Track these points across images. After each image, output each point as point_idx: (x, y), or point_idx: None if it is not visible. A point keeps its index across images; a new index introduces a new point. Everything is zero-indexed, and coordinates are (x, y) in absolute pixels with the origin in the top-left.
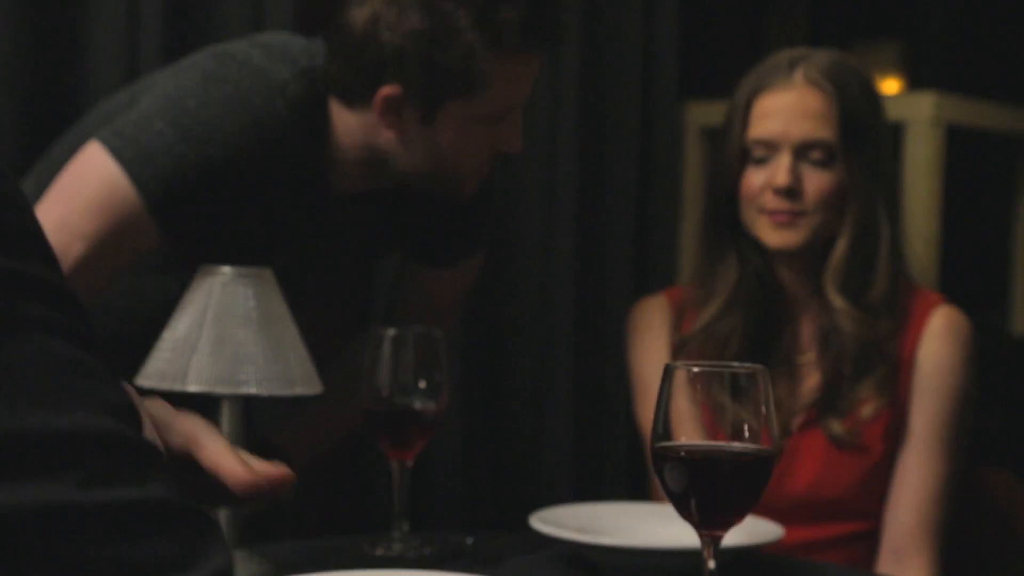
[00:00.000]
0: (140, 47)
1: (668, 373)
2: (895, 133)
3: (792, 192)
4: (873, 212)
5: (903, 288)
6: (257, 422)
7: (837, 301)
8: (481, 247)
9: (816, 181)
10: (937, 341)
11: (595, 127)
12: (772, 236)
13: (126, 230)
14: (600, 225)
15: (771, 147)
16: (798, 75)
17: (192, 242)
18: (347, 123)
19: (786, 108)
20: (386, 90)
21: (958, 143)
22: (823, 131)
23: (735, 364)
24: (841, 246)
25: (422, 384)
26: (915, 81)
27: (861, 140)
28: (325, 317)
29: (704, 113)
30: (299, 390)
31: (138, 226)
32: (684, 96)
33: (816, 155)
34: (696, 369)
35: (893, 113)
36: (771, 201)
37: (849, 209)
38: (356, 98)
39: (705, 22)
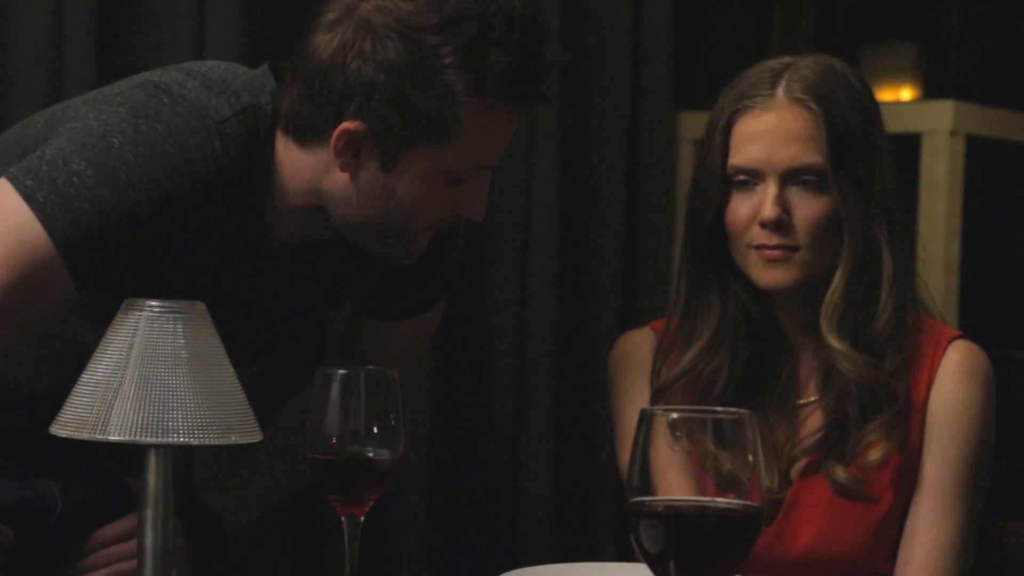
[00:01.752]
0: (66, 53)
1: (645, 419)
2: (911, 145)
3: (781, 225)
4: (873, 239)
5: (913, 321)
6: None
7: (834, 342)
8: (444, 296)
9: (806, 210)
10: (952, 380)
11: (578, 139)
12: (763, 274)
13: (37, 282)
14: (584, 249)
15: (755, 175)
16: (780, 92)
17: (112, 295)
18: (295, 163)
19: (769, 132)
20: (347, 125)
21: (979, 156)
22: (811, 155)
23: (719, 409)
24: (837, 281)
25: (375, 430)
26: (932, 88)
27: (854, 160)
28: (269, 373)
29: (700, 124)
30: (236, 439)
31: (51, 277)
32: (678, 106)
33: (805, 181)
34: (675, 415)
35: (907, 123)
36: (759, 236)
37: (845, 239)
38: (311, 133)
39: (702, 24)
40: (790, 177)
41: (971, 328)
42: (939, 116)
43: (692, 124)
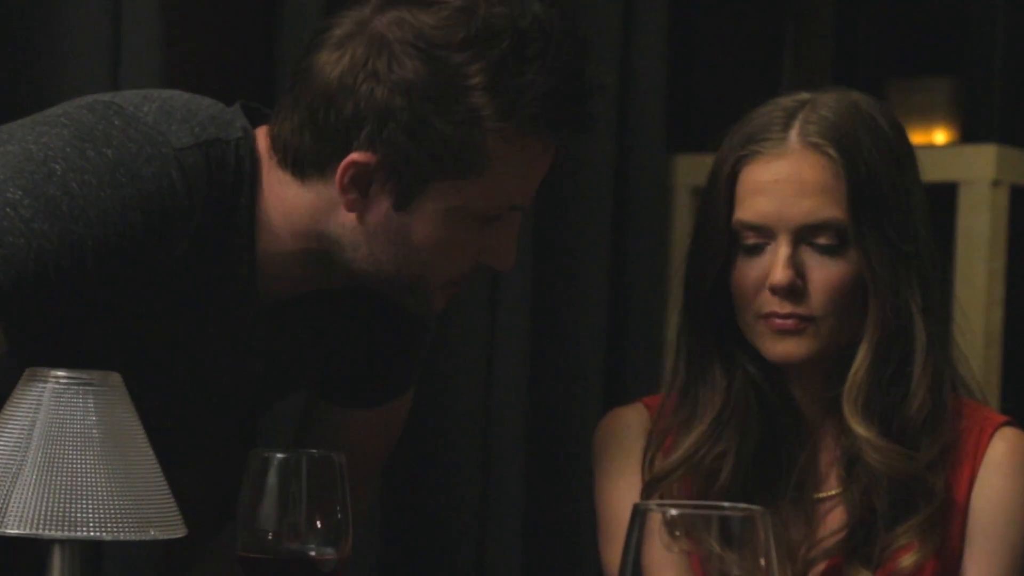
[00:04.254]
0: None
1: (638, 516)
2: (946, 196)
3: (794, 291)
4: (904, 307)
5: (952, 404)
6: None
7: (859, 428)
8: (415, 379)
9: (824, 274)
10: (998, 475)
11: (554, 186)
12: (774, 347)
13: None
14: (561, 314)
15: (764, 233)
16: (794, 135)
17: (48, 350)
18: (291, 201)
19: (780, 182)
20: (355, 156)
21: None
22: (829, 209)
23: (726, 505)
24: (861, 356)
25: (318, 524)
26: (970, 130)
27: (880, 215)
28: (215, 462)
29: (697, 169)
30: (155, 533)
31: None
32: (672, 148)
33: (822, 240)
34: (675, 511)
35: (942, 171)
36: (769, 303)
37: (870, 306)
38: (312, 166)
39: (701, 55)
40: (805, 235)
41: (1016, 410)
42: (979, 163)
43: (689, 169)
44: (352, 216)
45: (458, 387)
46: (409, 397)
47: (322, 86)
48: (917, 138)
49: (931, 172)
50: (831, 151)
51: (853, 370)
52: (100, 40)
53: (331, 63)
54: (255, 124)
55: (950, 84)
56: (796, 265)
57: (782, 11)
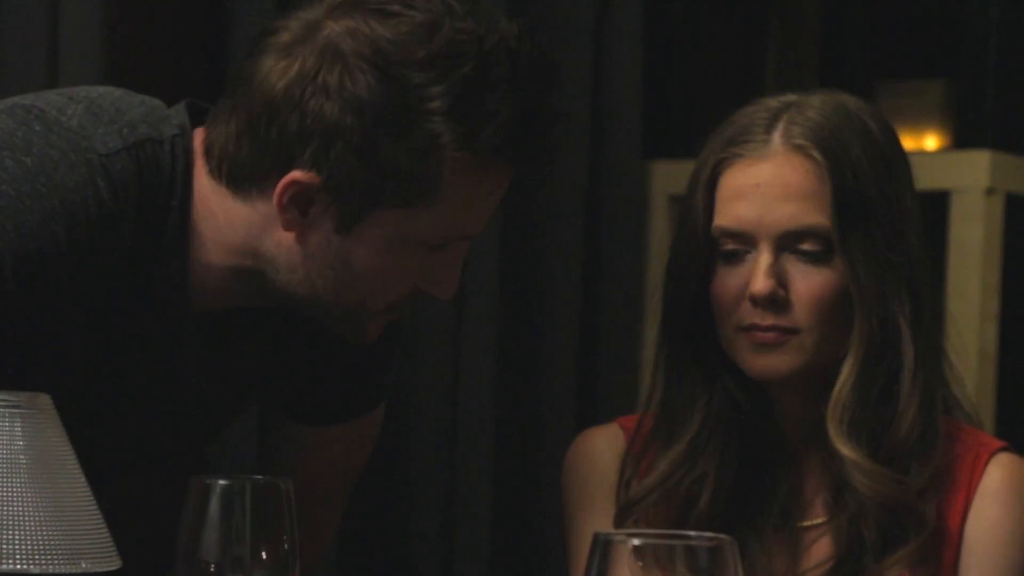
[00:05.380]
0: None
1: (599, 546)
2: (937, 205)
3: (775, 301)
4: (890, 320)
5: (944, 427)
6: None
7: (844, 449)
8: (386, 394)
9: (807, 283)
10: (994, 504)
11: (523, 195)
12: (755, 361)
13: None
14: (532, 328)
15: (745, 240)
16: (777, 137)
17: None
18: (226, 214)
19: (762, 187)
20: (297, 175)
21: (1020, 217)
22: (813, 215)
23: (692, 534)
24: (846, 372)
25: (263, 555)
26: (963, 136)
27: (868, 222)
28: (160, 484)
29: (675, 176)
30: (87, 566)
31: None
32: (649, 154)
33: (806, 247)
34: (638, 541)
35: (933, 178)
36: (749, 314)
37: (856, 318)
38: (250, 181)
39: (679, 57)
40: (788, 242)
41: (1011, 431)
42: (972, 170)
43: (666, 176)
44: (290, 235)
45: (422, 405)
46: (381, 412)
47: (266, 95)
48: (907, 144)
49: (922, 180)
50: (816, 154)
51: (837, 387)
52: (37, 37)
53: (277, 71)
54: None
55: (942, 87)
56: (778, 274)
57: (765, 8)
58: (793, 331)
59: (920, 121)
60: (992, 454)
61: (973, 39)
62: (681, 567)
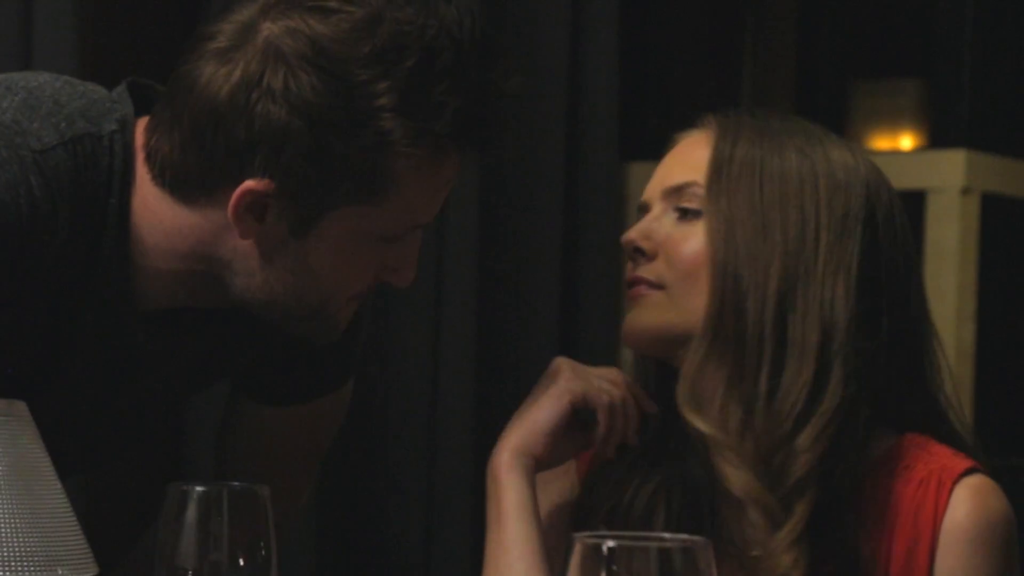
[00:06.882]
0: None
1: (572, 548)
2: (913, 204)
3: (641, 252)
4: (758, 283)
5: (907, 443)
6: None
7: (696, 421)
8: (352, 372)
9: (672, 238)
10: (962, 542)
11: (500, 199)
12: (624, 322)
13: None
14: (509, 332)
15: (646, 208)
16: (702, 127)
17: None
18: (173, 220)
19: (666, 161)
20: (251, 183)
21: (996, 218)
22: (690, 173)
23: (666, 536)
24: (695, 341)
25: (241, 562)
26: (939, 135)
27: (745, 187)
28: (117, 475)
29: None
30: (64, 573)
31: None
32: (626, 156)
33: (683, 204)
34: (612, 543)
35: (909, 178)
36: (629, 271)
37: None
38: (198, 189)
39: (656, 58)
40: (671, 201)
41: (990, 437)
42: (948, 169)
43: (644, 178)
44: (247, 242)
45: (401, 406)
46: (348, 390)
47: (209, 104)
48: (882, 143)
49: (897, 180)
50: (713, 123)
51: (685, 368)
52: (10, 26)
53: (219, 77)
54: (148, 106)
55: (917, 86)
56: (654, 229)
57: (741, 9)
58: (657, 286)
59: (896, 121)
60: (956, 479)
61: (948, 39)
62: (655, 569)
